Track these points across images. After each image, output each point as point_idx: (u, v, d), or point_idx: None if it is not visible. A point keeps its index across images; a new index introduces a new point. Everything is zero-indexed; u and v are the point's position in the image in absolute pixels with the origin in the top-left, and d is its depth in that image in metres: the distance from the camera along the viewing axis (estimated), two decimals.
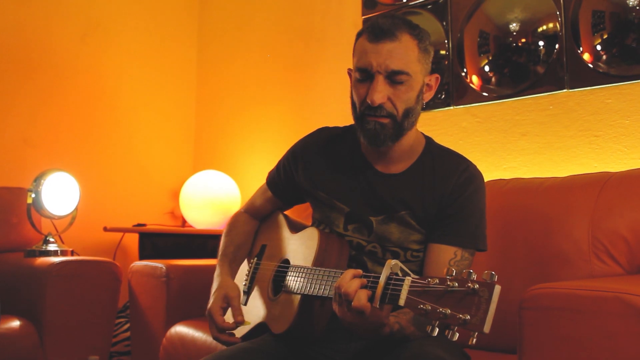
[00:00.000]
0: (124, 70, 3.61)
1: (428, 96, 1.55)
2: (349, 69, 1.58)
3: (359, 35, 1.53)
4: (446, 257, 1.48)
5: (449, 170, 1.54)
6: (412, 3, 2.71)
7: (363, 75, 1.47)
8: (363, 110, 1.48)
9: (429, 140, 1.62)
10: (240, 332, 1.73)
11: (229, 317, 1.64)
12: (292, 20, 3.33)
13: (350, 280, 1.25)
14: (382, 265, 1.23)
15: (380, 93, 1.44)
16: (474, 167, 1.57)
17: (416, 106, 1.50)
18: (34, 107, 3.28)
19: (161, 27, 3.78)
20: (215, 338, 1.63)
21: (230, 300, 1.63)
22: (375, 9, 2.84)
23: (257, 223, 1.86)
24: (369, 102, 1.45)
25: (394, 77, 1.45)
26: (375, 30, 1.46)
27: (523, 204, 1.91)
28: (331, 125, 1.75)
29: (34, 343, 2.39)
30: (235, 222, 1.86)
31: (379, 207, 1.55)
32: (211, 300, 1.64)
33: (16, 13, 3.25)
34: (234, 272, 1.77)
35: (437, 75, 1.56)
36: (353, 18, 2.94)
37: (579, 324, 1.21)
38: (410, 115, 1.49)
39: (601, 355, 1.19)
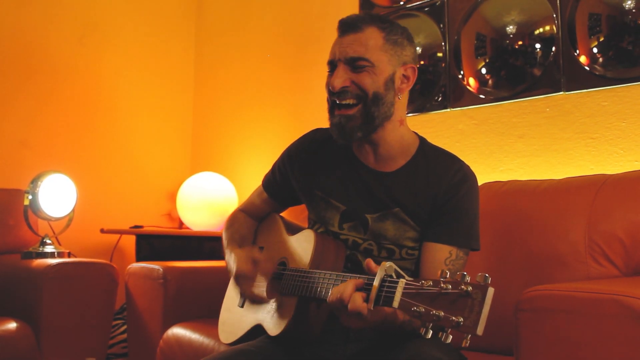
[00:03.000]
0: (122, 71, 3.61)
1: (405, 87, 1.56)
2: None
3: None
4: (441, 256, 1.49)
5: (442, 170, 1.55)
6: (409, 5, 2.71)
7: (330, 68, 1.54)
8: (330, 101, 1.53)
9: (422, 141, 1.63)
10: (235, 334, 1.73)
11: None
12: (289, 23, 3.34)
13: (345, 284, 1.26)
14: (378, 263, 1.23)
15: (340, 78, 1.49)
16: (467, 167, 1.58)
17: (386, 94, 1.51)
18: (31, 108, 3.28)
19: (158, 29, 3.79)
20: (252, 299, 1.59)
21: (253, 255, 1.59)
22: (373, 11, 2.85)
23: (255, 223, 1.86)
24: (330, 88, 1.50)
25: (355, 64, 1.49)
26: (342, 25, 1.54)
27: (520, 206, 1.92)
28: (327, 127, 1.76)
29: (30, 345, 2.38)
30: (235, 218, 1.87)
31: (374, 205, 1.56)
32: (235, 265, 1.60)
33: (14, 15, 3.25)
34: None
35: (412, 65, 1.56)
36: None
37: (575, 326, 1.22)
38: (379, 103, 1.50)
39: (597, 357, 1.19)
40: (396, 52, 1.53)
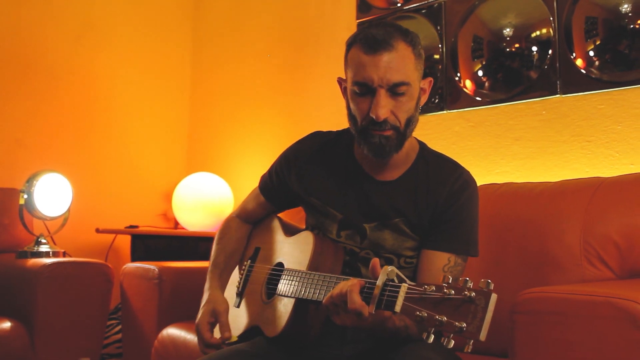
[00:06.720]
0: (118, 71, 3.61)
1: (423, 100, 1.54)
2: (339, 78, 1.57)
3: (350, 45, 1.49)
4: (440, 263, 1.48)
5: (443, 177, 1.54)
6: (407, 7, 2.72)
7: (363, 89, 1.44)
8: (366, 125, 1.46)
9: (422, 146, 1.61)
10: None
11: (216, 332, 1.65)
12: (287, 24, 3.34)
13: (344, 282, 1.25)
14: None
15: (385, 108, 1.42)
16: (468, 173, 1.57)
17: (415, 113, 1.49)
18: (27, 107, 3.27)
19: (155, 29, 3.78)
20: (202, 352, 1.63)
21: (218, 316, 1.63)
22: (370, 12, 2.85)
23: (250, 227, 1.85)
24: (374, 117, 1.42)
25: (396, 89, 1.43)
26: (370, 41, 1.43)
27: (515, 208, 1.92)
28: (324, 129, 1.75)
29: (24, 344, 2.38)
30: (226, 228, 1.85)
31: (372, 214, 1.55)
32: (199, 315, 1.65)
33: (11, 14, 3.25)
34: (224, 284, 1.77)
35: (430, 78, 1.54)
36: (347, 22, 2.95)
37: (570, 328, 1.22)
38: (411, 124, 1.49)
39: (592, 359, 1.19)
40: (421, 66, 1.49)
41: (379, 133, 1.45)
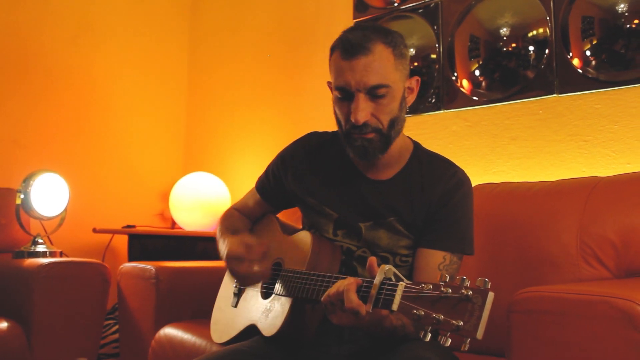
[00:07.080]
0: (115, 71, 3.60)
1: (411, 99, 1.55)
2: (329, 82, 1.58)
3: (332, 50, 1.51)
4: (435, 261, 1.49)
5: (437, 175, 1.54)
6: (403, 7, 2.72)
7: (343, 94, 1.46)
8: (349, 128, 1.47)
9: (416, 145, 1.62)
10: (228, 334, 1.73)
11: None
12: (284, 24, 3.34)
13: (342, 281, 1.25)
14: None
15: (363, 111, 1.43)
16: (462, 172, 1.58)
17: (400, 114, 1.50)
18: (24, 107, 3.26)
19: (152, 29, 3.78)
20: (246, 276, 1.54)
21: (245, 239, 1.56)
22: (367, 12, 2.85)
23: (250, 222, 1.86)
24: (353, 121, 1.44)
25: (375, 92, 1.43)
26: (347, 46, 1.44)
27: (512, 208, 1.92)
28: (321, 129, 1.75)
29: (21, 344, 2.37)
30: (230, 214, 1.86)
31: (367, 214, 1.55)
32: (226, 248, 1.56)
33: (7, 14, 3.24)
34: None
35: (417, 77, 1.55)
36: (344, 21, 2.94)
37: (567, 328, 1.22)
38: (395, 125, 1.49)
39: (588, 359, 1.19)
40: (403, 66, 1.49)
41: (360, 136, 1.47)
